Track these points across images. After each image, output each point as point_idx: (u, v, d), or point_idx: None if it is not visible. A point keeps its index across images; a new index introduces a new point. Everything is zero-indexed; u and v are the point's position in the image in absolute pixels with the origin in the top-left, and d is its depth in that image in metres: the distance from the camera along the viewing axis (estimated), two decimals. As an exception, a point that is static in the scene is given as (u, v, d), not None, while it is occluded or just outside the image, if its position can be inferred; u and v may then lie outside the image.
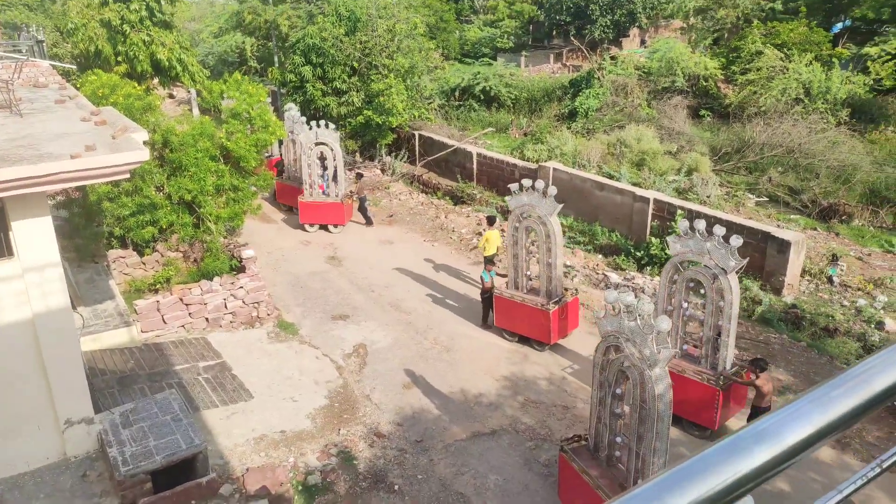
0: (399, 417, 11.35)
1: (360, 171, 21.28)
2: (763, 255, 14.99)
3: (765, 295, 14.54)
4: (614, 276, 16.04)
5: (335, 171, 19.87)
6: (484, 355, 13.23)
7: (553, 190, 12.49)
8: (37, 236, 8.38)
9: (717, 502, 0.94)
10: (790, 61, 26.25)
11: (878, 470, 1.24)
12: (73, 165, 7.63)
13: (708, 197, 19.13)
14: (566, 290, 13.42)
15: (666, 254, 16.08)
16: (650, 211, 17.15)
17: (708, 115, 27.79)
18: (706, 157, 21.66)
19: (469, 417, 11.33)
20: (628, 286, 15.44)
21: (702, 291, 10.52)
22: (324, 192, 19.98)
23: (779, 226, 17.38)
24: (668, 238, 11.39)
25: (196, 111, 31.54)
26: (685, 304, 10.68)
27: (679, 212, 16.19)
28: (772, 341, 13.27)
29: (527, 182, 12.82)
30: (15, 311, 8.44)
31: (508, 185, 13.33)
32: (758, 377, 9.93)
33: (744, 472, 0.99)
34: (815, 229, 18.21)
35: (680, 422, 10.58)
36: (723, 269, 9.91)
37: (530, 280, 13.44)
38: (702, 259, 10.14)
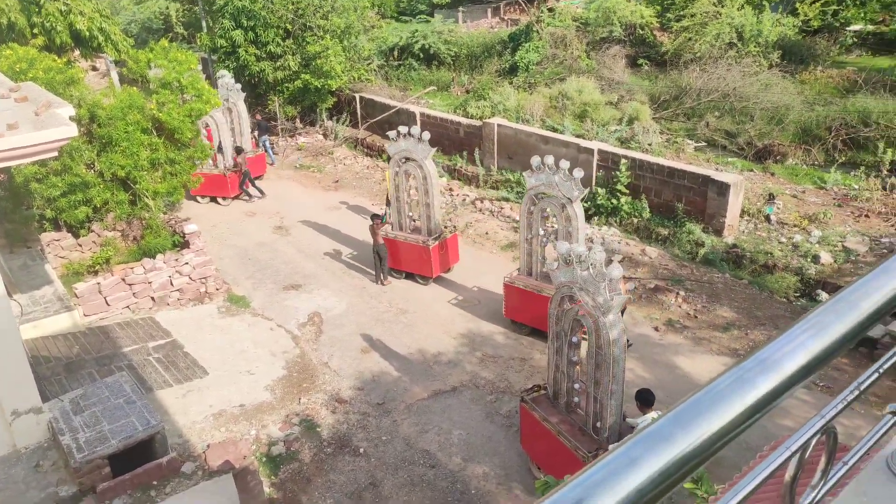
0: (359, 382, 11.36)
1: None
2: (704, 199, 15.39)
3: (707, 237, 14.98)
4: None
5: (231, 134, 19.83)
6: (439, 314, 13.29)
7: (426, 135, 13.48)
8: (-40, 222, 7.89)
9: (726, 434, 0.95)
10: (723, 6, 26.61)
11: (856, 393, 1.28)
12: (-7, 145, 7.17)
13: (650, 145, 19.44)
14: (445, 227, 14.38)
15: (612, 203, 16.37)
16: (595, 162, 17.34)
17: (646, 64, 28.06)
18: (646, 105, 21.93)
19: (429, 377, 11.43)
20: (577, 237, 15.66)
21: (554, 218, 11.61)
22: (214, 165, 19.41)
23: (717, 169, 17.83)
24: (524, 173, 12.04)
25: (116, 80, 30.07)
26: (542, 231, 11.78)
27: (623, 161, 16.42)
28: (715, 280, 13.73)
29: (403, 128, 13.67)
30: (-56, 302, 7.99)
31: (388, 133, 13.47)
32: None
33: (750, 402, 1.00)
34: (752, 171, 18.77)
35: (542, 335, 11.40)
36: (568, 198, 10.91)
37: (413, 221, 14.32)
38: (551, 190, 11.11)
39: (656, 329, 12.35)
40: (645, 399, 8.01)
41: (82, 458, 8.18)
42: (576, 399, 8.83)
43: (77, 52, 23.54)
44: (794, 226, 15.53)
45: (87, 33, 22.34)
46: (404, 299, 13.88)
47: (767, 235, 15.28)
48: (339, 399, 10.95)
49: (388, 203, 15.24)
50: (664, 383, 10.79)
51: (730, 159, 19.45)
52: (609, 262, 7.99)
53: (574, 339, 8.58)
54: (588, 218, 16.74)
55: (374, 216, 14.37)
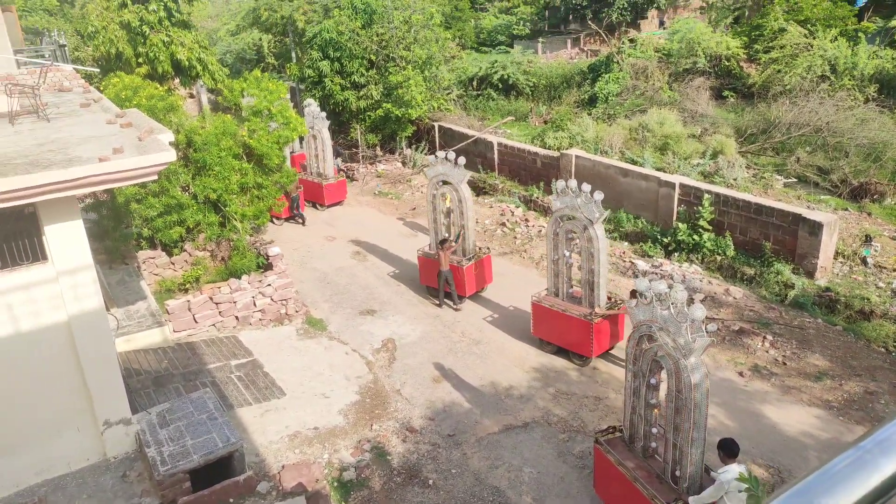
0: (430, 412, 11.35)
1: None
2: (794, 238, 14.71)
3: (797, 278, 14.28)
4: (641, 264, 15.86)
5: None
6: (513, 347, 13.17)
7: (462, 160, 14.24)
8: (69, 240, 8.46)
9: None
10: (814, 38, 25.65)
11: None
12: (102, 169, 7.67)
13: (735, 179, 18.82)
14: (479, 248, 15.04)
15: (694, 239, 15.89)
16: (676, 196, 16.91)
17: (731, 96, 27.28)
18: (731, 138, 21.28)
19: (500, 410, 11.30)
20: (656, 273, 15.26)
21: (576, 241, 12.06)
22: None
23: (809, 207, 17.04)
24: (550, 197, 12.67)
25: (206, 103, 31.70)
26: (567, 253, 12.13)
27: (706, 196, 15.94)
28: (806, 325, 13.04)
29: (441, 154, 14.54)
30: (51, 314, 8.54)
31: (428, 159, 13.77)
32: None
33: (874, 485, 0.92)
34: (847, 210, 17.82)
35: (567, 353, 12.47)
36: (590, 220, 11.34)
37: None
38: (574, 213, 11.56)
39: (741, 374, 11.80)
40: (729, 449, 7.41)
41: (165, 472, 8.50)
42: (653, 444, 8.50)
43: (177, 81, 25.05)
44: (894, 270, 14.60)
45: (187, 63, 23.76)
46: (478, 330, 13.84)
47: (864, 279, 14.43)
48: (410, 428, 10.96)
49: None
50: (749, 433, 10.26)
51: (822, 197, 18.57)
52: (691, 301, 7.71)
53: (652, 381, 8.29)
54: (668, 254, 16.33)
55: (443, 241, 14.50)
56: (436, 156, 14.61)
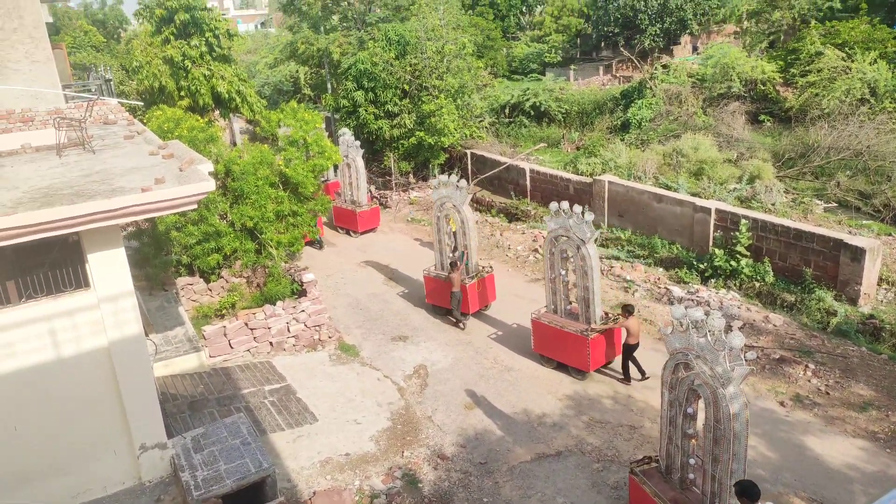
0: (462, 439, 11.27)
1: None
2: (836, 264, 14.35)
3: (840, 305, 13.89)
4: (677, 290, 15.61)
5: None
6: (545, 374, 13.03)
7: (463, 182, 14.90)
8: (111, 267, 8.71)
9: None
10: (853, 61, 25.23)
11: None
12: (144, 198, 7.91)
13: (773, 205, 18.49)
14: (482, 267, 15.47)
15: (731, 265, 15.60)
16: (712, 221, 16.68)
17: (768, 120, 26.92)
18: (768, 163, 20.96)
19: (533, 438, 11.16)
20: (692, 300, 15.01)
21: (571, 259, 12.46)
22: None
23: (851, 232, 16.64)
24: (545, 217, 13.23)
25: (237, 134, 32.44)
26: (563, 272, 12.66)
27: (743, 221, 15.68)
28: (850, 354, 12.63)
29: (443, 178, 15.15)
30: (92, 339, 8.77)
31: (432, 180, 13.93)
32: (626, 319, 11.94)
33: None
34: (890, 235, 17.32)
35: (566, 368, 12.86)
36: (582, 239, 11.86)
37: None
38: (568, 233, 12.10)
39: (782, 404, 11.46)
40: (750, 494, 6.89)
41: (199, 496, 8.58)
42: (691, 476, 8.28)
43: (217, 112, 25.79)
44: (943, 297, 14.11)
45: (227, 95, 24.48)
46: (510, 356, 13.75)
47: (910, 306, 13.96)
48: (441, 455, 10.89)
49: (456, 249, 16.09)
50: (792, 465, 9.93)
51: (864, 222, 18.10)
52: (729, 328, 7.54)
53: (690, 410, 8.10)
54: (705, 280, 16.06)
55: (452, 264, 14.92)
56: (439, 179, 15.22)
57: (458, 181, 14.82)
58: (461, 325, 15.03)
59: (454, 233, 15.30)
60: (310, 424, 11.60)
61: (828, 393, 11.61)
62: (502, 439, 11.19)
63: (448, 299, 15.02)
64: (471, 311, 15.14)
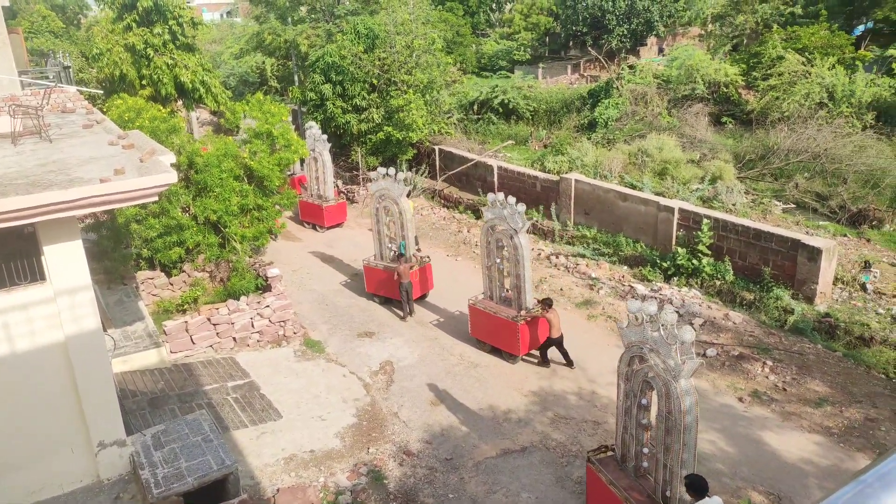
0: (428, 435, 11.26)
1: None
2: (794, 264, 14.72)
3: (797, 304, 14.26)
4: (641, 288, 15.84)
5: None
6: (512, 370, 13.10)
7: (401, 175, 15.44)
8: (68, 260, 8.46)
9: None
10: (812, 65, 25.94)
11: None
12: (103, 189, 7.69)
13: (734, 205, 18.89)
14: (421, 257, 16.02)
15: (693, 264, 15.89)
16: (675, 221, 16.96)
17: (730, 122, 27.51)
18: (730, 164, 21.40)
19: (498, 434, 11.21)
20: (655, 297, 15.25)
21: (504, 248, 13.07)
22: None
23: (808, 233, 17.10)
24: (482, 208, 14.17)
25: (195, 125, 31.84)
26: (497, 260, 13.27)
27: (705, 221, 15.98)
28: (806, 351, 12.98)
29: (381, 170, 15.69)
30: (48, 334, 8.51)
31: (381, 173, 14.84)
32: (546, 311, 12.51)
33: None
34: (846, 236, 17.86)
35: (499, 352, 13.44)
36: (514, 229, 12.47)
37: (392, 251, 16.03)
38: (502, 223, 12.70)
39: (741, 400, 11.73)
40: (696, 487, 7.19)
41: (159, 494, 8.41)
42: (645, 464, 8.48)
43: (180, 103, 25.26)
44: (893, 296, 14.59)
45: (191, 85, 23.98)
46: (476, 353, 13.78)
47: (863, 305, 14.41)
48: (407, 451, 10.87)
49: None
50: (750, 459, 10.17)
51: (821, 223, 18.63)
52: (687, 323, 7.71)
53: (644, 402, 8.33)
54: (667, 278, 16.33)
55: (399, 255, 15.50)
56: (377, 172, 15.81)
57: (395, 174, 15.40)
58: (406, 317, 15.30)
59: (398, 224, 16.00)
60: (274, 421, 11.46)
61: (785, 389, 11.92)
62: (468, 435, 11.22)
63: (390, 289, 15.72)
64: (413, 298, 15.64)
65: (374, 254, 16.45)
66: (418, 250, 16.60)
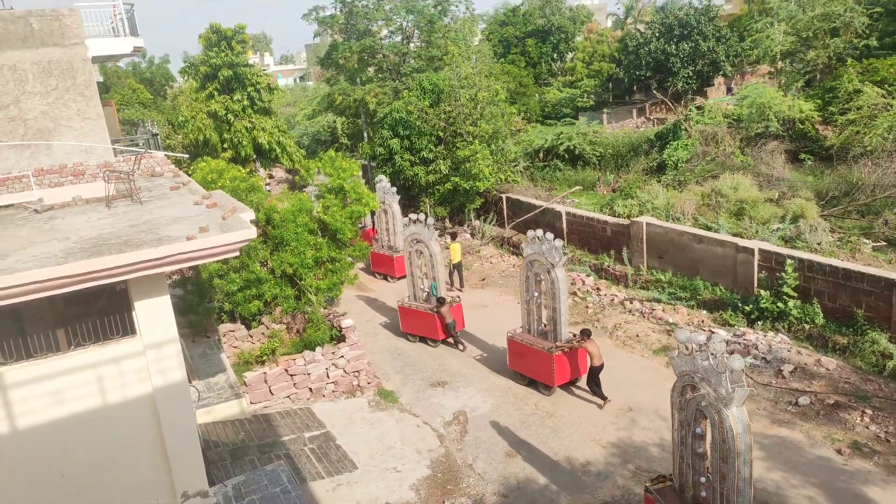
0: (504, 488, 10.99)
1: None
2: (889, 305, 13.81)
3: (895, 348, 13.31)
4: (722, 333, 15.17)
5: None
6: (589, 420, 12.71)
7: (431, 220, 16.33)
8: (157, 315, 8.85)
9: None
10: (893, 97, 24.82)
11: None
12: (189, 246, 8.08)
13: (819, 244, 18.02)
14: (452, 298, 16.88)
15: (778, 307, 15.17)
16: (756, 262, 16.30)
17: (809, 159, 26.50)
18: (812, 202, 20.52)
19: (578, 487, 10.82)
20: (738, 343, 14.58)
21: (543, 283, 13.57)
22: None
23: (903, 271, 16.05)
24: (522, 244, 14.66)
25: (263, 175, 33.04)
26: (536, 294, 13.81)
27: (789, 262, 15.29)
28: (910, 399, 12.04)
29: (413, 216, 16.68)
30: (137, 387, 8.87)
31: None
32: (584, 341, 12.86)
33: None
34: (946, 273, 16.65)
35: (535, 384, 13.87)
36: (552, 263, 13.03)
37: (424, 291, 16.84)
38: (541, 258, 13.23)
39: (839, 452, 10.92)
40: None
41: (240, 545, 8.48)
42: (703, 493, 8.39)
43: (258, 163, 26.54)
44: None
45: (268, 146, 25.20)
46: (552, 403, 13.47)
47: (972, 348, 13.30)
48: (483, 505, 10.62)
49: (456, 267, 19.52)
50: (854, 517, 9.41)
51: (916, 260, 17.47)
52: (731, 352, 7.65)
53: (698, 430, 8.32)
54: (751, 322, 15.63)
55: (440, 299, 16.26)
56: (409, 218, 16.76)
57: (426, 220, 16.38)
58: (460, 346, 16.37)
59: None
60: (349, 472, 11.47)
61: (888, 440, 11.03)
62: (546, 488, 10.87)
63: (422, 328, 16.82)
64: (439, 338, 16.52)
65: (407, 295, 17.30)
66: (460, 289, 19.05)
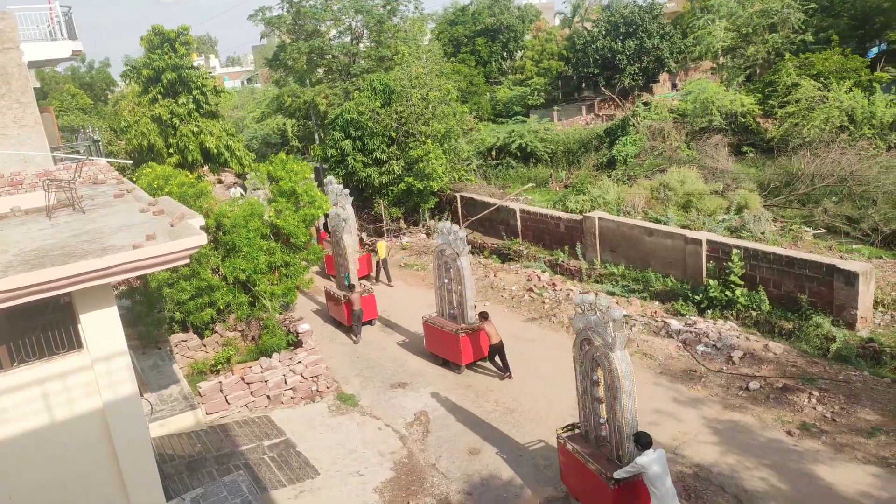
0: (468, 486, 11.01)
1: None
2: (830, 289, 14.39)
3: (838, 330, 13.87)
4: (675, 323, 15.55)
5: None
6: (549, 414, 12.83)
7: (346, 213, 18.36)
8: (104, 327, 8.56)
9: None
10: (829, 90, 25.86)
11: None
12: (136, 255, 7.84)
13: (763, 233, 18.64)
14: (367, 288, 18.23)
15: (726, 295, 15.62)
16: (704, 253, 16.75)
17: (751, 151, 27.39)
18: (755, 193, 21.23)
19: (541, 482, 10.91)
20: (691, 331, 14.95)
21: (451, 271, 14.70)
22: None
23: (842, 257, 16.76)
24: (433, 235, 16.58)
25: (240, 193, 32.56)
26: (446, 280, 14.88)
27: (735, 251, 15.76)
28: (853, 379, 12.54)
29: (333, 210, 18.50)
30: (86, 402, 8.56)
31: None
32: (483, 323, 14.09)
33: None
34: (881, 258, 17.45)
35: (447, 363, 15.03)
36: (457, 252, 14.24)
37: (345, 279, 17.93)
38: (448, 248, 14.46)
39: (790, 433, 11.30)
40: (640, 440, 8.53)
41: (200, 560, 8.28)
42: (603, 433, 9.61)
43: (206, 168, 25.95)
44: (939, 316, 14.13)
45: (216, 150, 24.67)
46: (512, 398, 13.56)
47: (908, 328, 13.96)
48: (447, 504, 10.62)
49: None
50: (805, 496, 9.74)
51: (855, 246, 18.26)
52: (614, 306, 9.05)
53: (594, 378, 9.50)
54: (701, 311, 16.05)
55: (350, 285, 17.47)
56: (334, 210, 18.24)
57: (343, 215, 18.04)
58: (356, 338, 17.20)
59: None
60: (311, 479, 11.31)
61: (834, 420, 11.48)
62: (509, 483, 10.94)
63: (336, 312, 18.09)
64: (348, 324, 17.56)
65: (335, 284, 18.81)
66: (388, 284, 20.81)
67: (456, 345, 14.51)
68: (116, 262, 7.69)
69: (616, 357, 8.83)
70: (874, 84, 27.03)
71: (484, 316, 14.27)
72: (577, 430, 10.18)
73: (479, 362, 14.99)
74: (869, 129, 24.11)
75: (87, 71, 51.35)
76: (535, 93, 44.56)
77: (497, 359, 14.40)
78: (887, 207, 19.24)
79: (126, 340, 8.86)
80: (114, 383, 8.65)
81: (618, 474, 8.70)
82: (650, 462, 8.24)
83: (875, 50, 34.38)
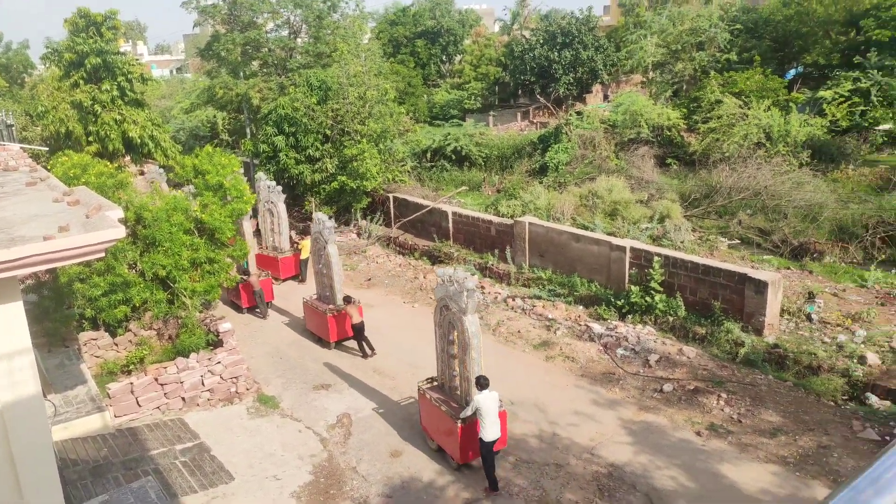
0: (388, 488, 10.97)
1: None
2: (742, 297, 15.09)
3: (747, 336, 14.56)
4: (597, 327, 15.98)
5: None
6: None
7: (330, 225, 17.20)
8: (7, 323, 8.04)
9: None
10: (749, 108, 27.18)
11: None
12: (46, 247, 7.41)
13: (682, 242, 19.37)
14: (262, 273, 19.32)
15: (647, 301, 16.14)
16: (627, 259, 17.28)
17: (674, 164, 28.46)
18: (676, 203, 22.05)
19: (460, 483, 10.98)
20: (611, 335, 15.39)
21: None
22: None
23: (754, 267, 17.59)
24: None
25: (165, 187, 31.42)
26: (320, 266, 16.51)
27: (656, 259, 16.32)
28: (758, 382, 13.20)
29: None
30: (-19, 402, 8.06)
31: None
32: (347, 305, 15.68)
33: None
34: (789, 268, 18.45)
35: (320, 340, 16.69)
36: (326, 241, 16.03)
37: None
38: (320, 237, 16.18)
39: (699, 434, 11.79)
40: (479, 383, 10.41)
41: (102, 568, 7.93)
42: (455, 384, 11.45)
43: (128, 158, 24.91)
44: (837, 325, 15.04)
45: (139, 140, 23.71)
46: (435, 400, 13.59)
47: (810, 335, 14.80)
48: (366, 507, 10.54)
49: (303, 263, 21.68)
50: (710, 493, 10.18)
51: (765, 257, 19.22)
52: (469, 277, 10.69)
53: (451, 338, 11.23)
54: (622, 316, 16.52)
55: (245, 271, 18.59)
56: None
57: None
58: (265, 316, 18.67)
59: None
60: (225, 484, 11.00)
61: (740, 421, 12.05)
62: (429, 486, 10.96)
63: (234, 295, 19.11)
64: (245, 305, 18.89)
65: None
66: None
67: (325, 324, 16.13)
68: (25, 253, 7.24)
69: (468, 320, 10.58)
70: (790, 104, 28.61)
71: (348, 299, 15.78)
72: (435, 383, 12.01)
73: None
74: (784, 146, 25.47)
75: (3, 52, 48.44)
76: (473, 97, 44.91)
77: (359, 339, 15.72)
78: (797, 221, 20.35)
79: (31, 338, 8.40)
80: (14, 383, 8.14)
81: (463, 413, 10.67)
82: (483, 399, 10.18)
83: (793, 72, 36.36)
